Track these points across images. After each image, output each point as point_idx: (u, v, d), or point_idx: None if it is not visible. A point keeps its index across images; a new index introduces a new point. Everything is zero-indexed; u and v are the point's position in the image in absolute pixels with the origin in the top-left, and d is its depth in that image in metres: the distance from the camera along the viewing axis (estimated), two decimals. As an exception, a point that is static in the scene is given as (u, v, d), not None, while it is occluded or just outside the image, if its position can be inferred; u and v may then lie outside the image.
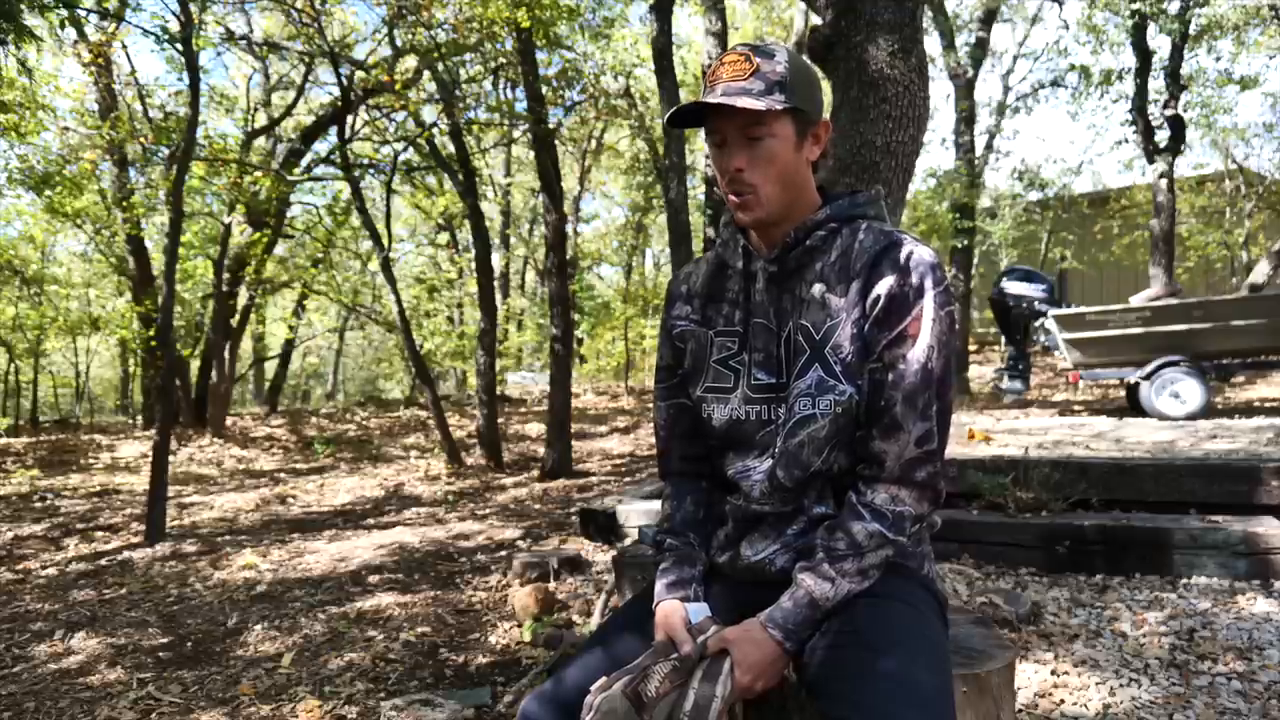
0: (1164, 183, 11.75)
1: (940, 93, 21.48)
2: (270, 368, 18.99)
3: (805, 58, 1.32)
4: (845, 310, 1.28)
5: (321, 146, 11.84)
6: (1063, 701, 2.40)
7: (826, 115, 1.38)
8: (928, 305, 1.24)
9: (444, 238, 18.05)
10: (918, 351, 1.24)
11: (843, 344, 1.27)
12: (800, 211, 1.34)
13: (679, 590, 1.36)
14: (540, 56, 8.57)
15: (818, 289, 1.31)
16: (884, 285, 1.25)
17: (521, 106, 9.40)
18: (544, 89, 8.47)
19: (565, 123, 11.00)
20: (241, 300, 12.47)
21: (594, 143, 16.63)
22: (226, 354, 11.93)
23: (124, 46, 10.98)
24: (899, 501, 1.26)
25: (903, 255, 1.26)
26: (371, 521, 6.04)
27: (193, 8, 6.16)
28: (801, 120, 1.30)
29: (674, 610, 1.32)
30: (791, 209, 1.33)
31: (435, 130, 9.17)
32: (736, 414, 1.36)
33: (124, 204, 10.64)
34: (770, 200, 1.29)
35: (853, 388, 1.27)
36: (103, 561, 4.87)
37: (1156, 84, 12.12)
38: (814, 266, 1.32)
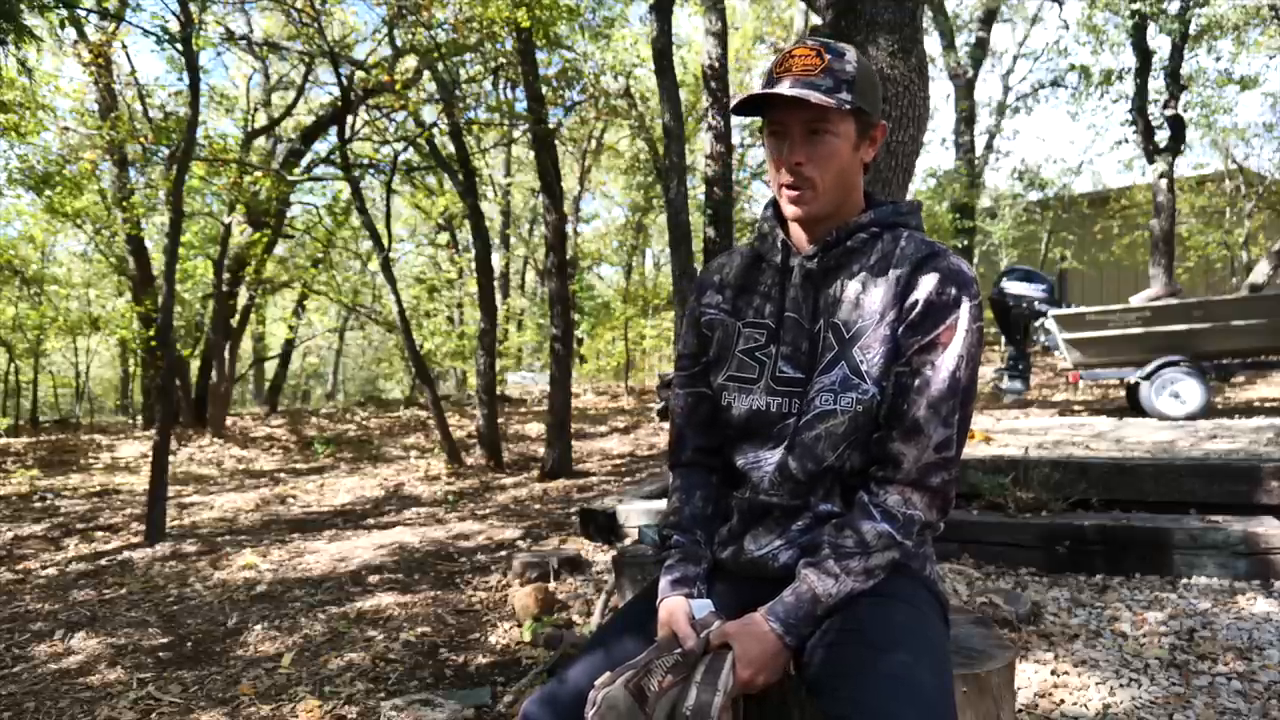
0: (1164, 183, 11.75)
1: (940, 93, 21.50)
2: (270, 368, 18.99)
3: (864, 56, 1.33)
4: (879, 313, 1.29)
5: (321, 146, 11.84)
6: (1063, 701, 2.40)
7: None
8: (963, 316, 1.25)
9: (444, 238, 18.05)
10: (948, 359, 1.25)
11: (872, 345, 1.28)
12: (846, 211, 1.35)
13: (684, 587, 1.37)
14: (540, 56, 8.57)
15: (853, 289, 1.32)
16: (923, 291, 1.26)
17: (521, 106, 9.40)
18: (544, 89, 8.47)
19: (565, 123, 11.00)
20: (241, 300, 12.46)
21: (594, 143, 16.63)
22: (226, 354, 11.93)
23: (124, 46, 10.98)
24: (910, 505, 1.26)
25: (944, 265, 1.28)
26: (371, 521, 6.04)
27: (193, 8, 6.16)
28: (863, 121, 1.31)
29: (678, 606, 1.32)
30: (839, 208, 1.34)
31: (435, 130, 9.17)
32: (758, 404, 1.36)
33: (124, 204, 10.64)
34: (825, 196, 1.31)
35: (876, 389, 1.28)
36: (103, 561, 4.87)
37: (1156, 84, 12.14)
38: (852, 267, 1.33)
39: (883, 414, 1.28)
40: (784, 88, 1.25)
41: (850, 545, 1.25)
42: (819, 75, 1.25)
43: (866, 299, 1.30)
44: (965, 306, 1.26)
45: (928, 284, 1.26)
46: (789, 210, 1.33)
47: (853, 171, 1.32)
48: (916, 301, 1.26)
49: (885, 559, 1.26)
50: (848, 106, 1.25)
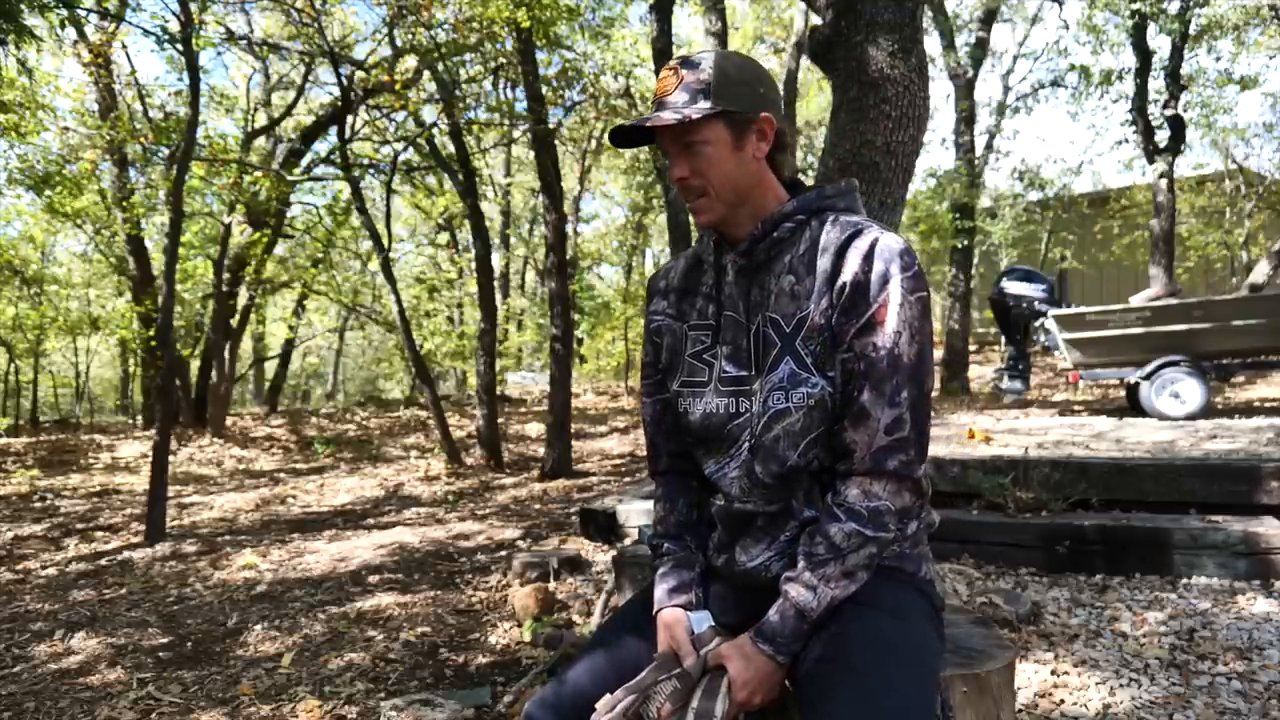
0: (1164, 183, 11.75)
1: (940, 93, 21.52)
2: (270, 368, 18.99)
3: (740, 56, 1.34)
4: (813, 301, 1.27)
5: (321, 146, 11.84)
6: (1063, 701, 2.40)
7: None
8: (894, 291, 1.22)
9: (444, 238, 18.04)
10: (885, 338, 1.22)
11: (812, 336, 1.27)
12: (764, 207, 1.34)
13: (680, 596, 1.36)
14: (540, 56, 8.56)
15: (787, 281, 1.30)
16: (849, 273, 1.24)
17: (521, 106, 9.40)
18: (544, 89, 8.47)
19: (565, 123, 10.99)
20: (241, 300, 12.46)
21: (594, 143, 16.60)
22: (226, 354, 11.93)
23: (124, 46, 10.98)
24: (872, 496, 1.23)
25: (866, 242, 1.25)
26: (371, 521, 6.04)
27: (193, 8, 6.16)
28: (736, 120, 1.29)
29: (676, 621, 1.32)
30: (750, 205, 1.33)
31: (435, 130, 9.17)
32: (709, 407, 1.35)
33: (124, 204, 10.64)
34: (721, 200, 1.31)
35: (824, 380, 1.25)
36: (103, 561, 4.87)
37: (1156, 84, 12.13)
38: (783, 259, 1.32)
39: (836, 405, 1.26)
40: (646, 118, 1.29)
41: (822, 552, 1.23)
42: (674, 93, 1.28)
43: (801, 290, 1.29)
44: (897, 279, 1.22)
45: (853, 263, 1.24)
46: (695, 220, 1.35)
47: (744, 171, 1.30)
48: (844, 284, 1.24)
49: (862, 558, 1.23)
50: (697, 115, 1.24)
